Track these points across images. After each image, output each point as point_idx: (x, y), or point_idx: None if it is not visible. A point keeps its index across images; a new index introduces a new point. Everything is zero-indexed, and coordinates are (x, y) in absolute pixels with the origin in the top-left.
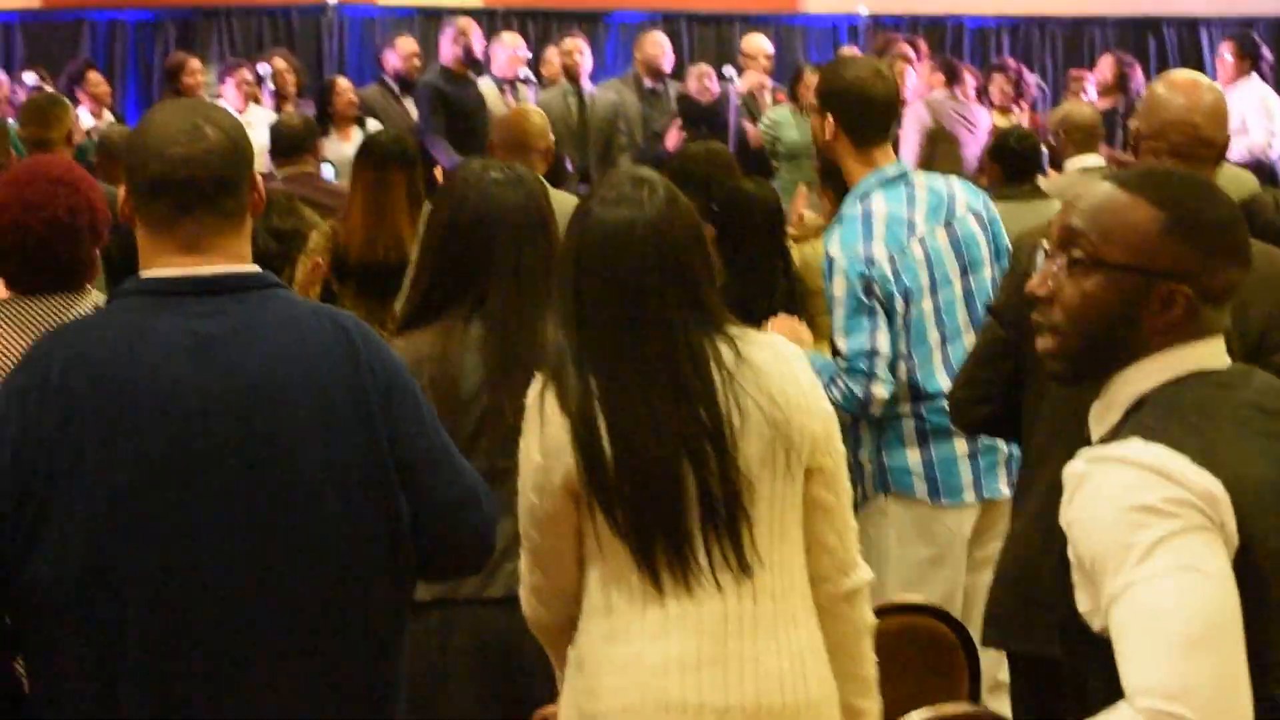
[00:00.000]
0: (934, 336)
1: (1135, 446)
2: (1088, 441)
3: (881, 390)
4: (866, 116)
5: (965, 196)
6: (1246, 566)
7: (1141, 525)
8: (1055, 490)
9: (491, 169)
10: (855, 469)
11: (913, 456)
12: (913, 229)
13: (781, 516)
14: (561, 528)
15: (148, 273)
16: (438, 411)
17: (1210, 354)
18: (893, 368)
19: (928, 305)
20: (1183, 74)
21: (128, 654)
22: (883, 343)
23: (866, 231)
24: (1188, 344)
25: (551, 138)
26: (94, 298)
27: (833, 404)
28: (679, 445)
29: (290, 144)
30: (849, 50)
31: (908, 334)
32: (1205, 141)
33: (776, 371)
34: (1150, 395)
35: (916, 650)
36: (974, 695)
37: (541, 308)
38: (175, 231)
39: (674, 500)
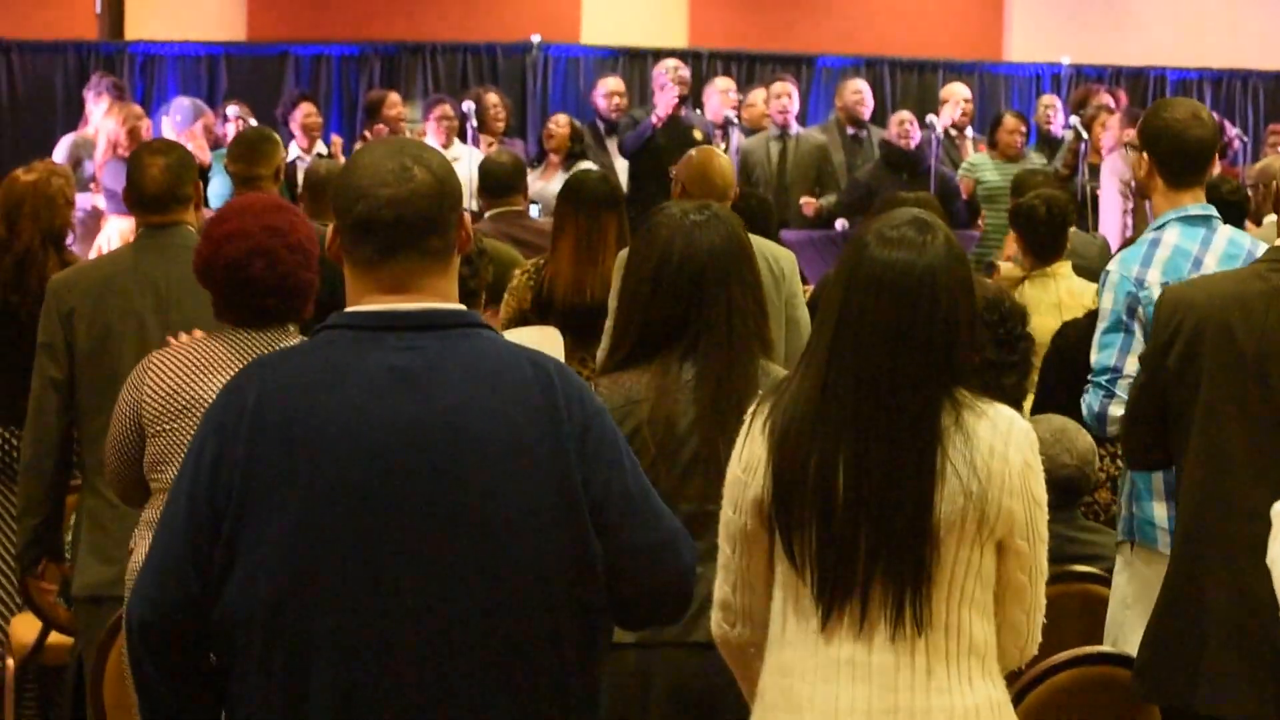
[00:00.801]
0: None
1: None
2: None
3: (1118, 410)
4: (1179, 157)
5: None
6: None
7: None
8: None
9: (690, 211)
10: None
11: (1159, 510)
12: (1198, 265)
13: (964, 583)
14: (752, 547)
15: (351, 308)
16: (652, 453)
17: None
18: None
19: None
20: None
21: (312, 689)
22: (1131, 364)
23: (1148, 256)
24: None
25: (733, 182)
26: (293, 333)
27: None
28: (875, 490)
29: (499, 182)
30: (1049, 99)
31: None
32: None
33: (987, 445)
34: None
35: (1109, 700)
36: None
37: (754, 347)
38: (380, 271)
39: (856, 542)
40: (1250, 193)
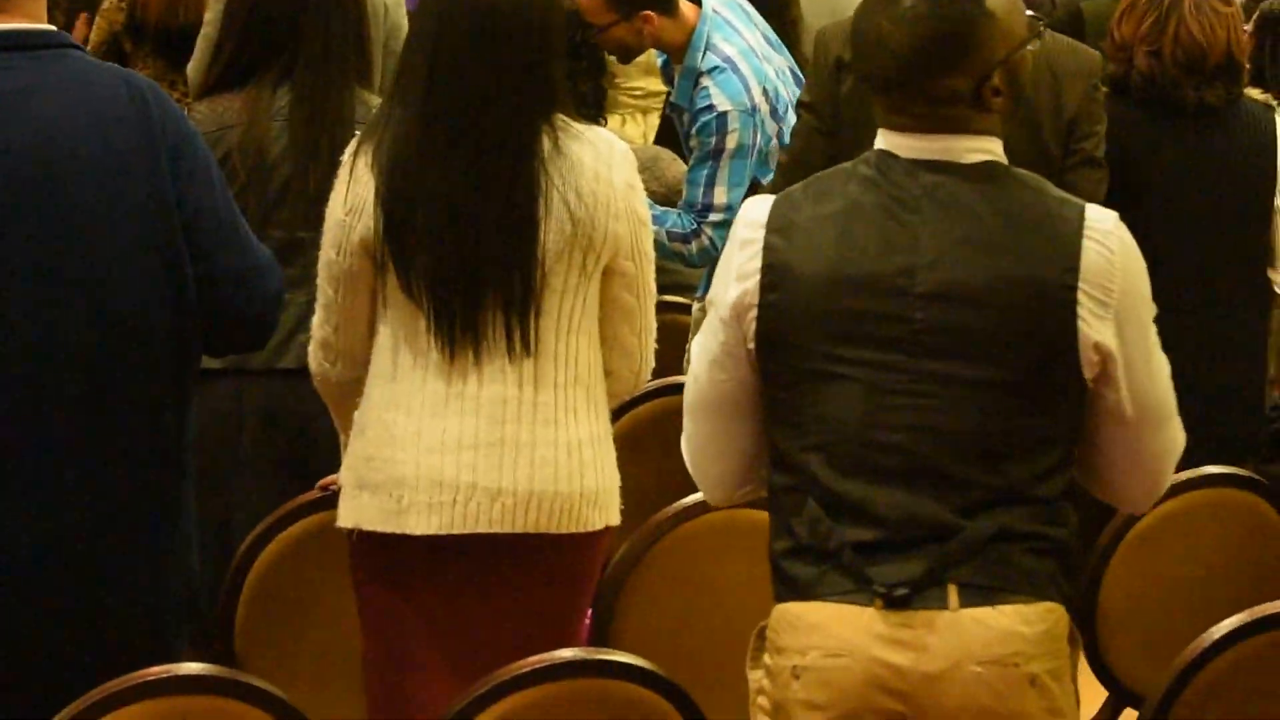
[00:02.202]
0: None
1: None
2: None
3: None
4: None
5: (764, 24)
6: None
7: None
8: None
9: None
10: None
11: None
12: (764, 65)
13: (572, 311)
14: (356, 285)
15: None
16: (241, 179)
17: None
18: None
19: (783, 128)
20: None
21: None
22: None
23: (742, 81)
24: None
25: None
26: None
27: (684, 259)
28: (485, 221)
29: None
30: None
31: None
32: None
33: (591, 169)
34: None
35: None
36: None
37: (349, 79)
38: None
39: (472, 274)
40: None
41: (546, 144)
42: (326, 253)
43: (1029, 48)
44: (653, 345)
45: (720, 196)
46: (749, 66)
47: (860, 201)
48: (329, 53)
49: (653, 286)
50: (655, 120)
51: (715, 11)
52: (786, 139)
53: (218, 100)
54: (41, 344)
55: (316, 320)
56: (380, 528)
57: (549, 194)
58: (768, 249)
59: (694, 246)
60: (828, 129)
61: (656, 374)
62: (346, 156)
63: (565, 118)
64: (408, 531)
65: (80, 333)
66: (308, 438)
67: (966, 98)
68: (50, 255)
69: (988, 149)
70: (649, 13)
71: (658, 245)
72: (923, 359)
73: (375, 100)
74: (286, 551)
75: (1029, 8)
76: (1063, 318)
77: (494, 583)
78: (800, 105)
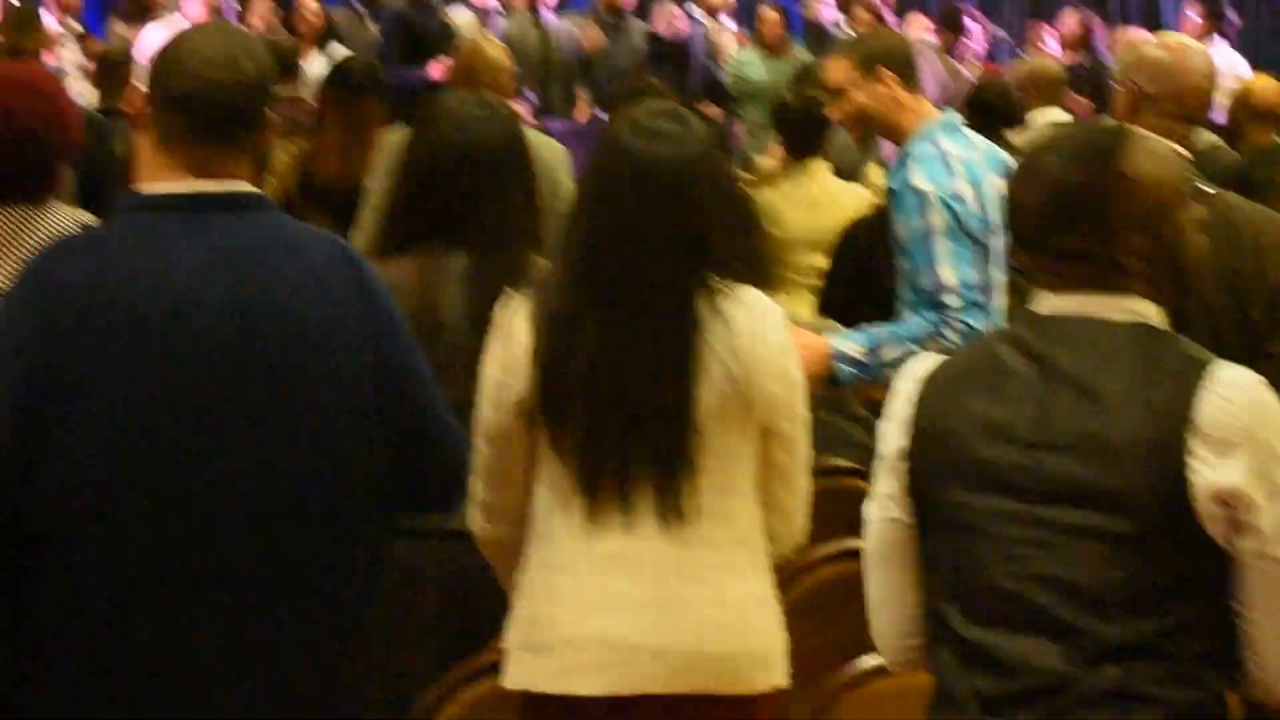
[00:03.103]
0: (1000, 279)
1: None
2: None
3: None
4: (911, 66)
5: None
6: None
7: None
8: None
9: (470, 103)
10: None
11: None
12: (980, 172)
13: (732, 472)
14: (512, 444)
15: (156, 187)
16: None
17: None
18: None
19: (996, 244)
20: (1175, 38)
21: (134, 559)
22: (982, 275)
23: (948, 169)
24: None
25: (508, 74)
26: (60, 210)
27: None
28: (637, 381)
29: (279, 65)
30: None
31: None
32: (1210, 106)
33: (748, 330)
34: None
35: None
36: None
37: (525, 246)
38: (189, 151)
39: (624, 434)
40: (1016, 92)
41: (703, 306)
42: (482, 411)
43: (1186, 213)
44: (807, 507)
45: (948, 276)
46: (963, 165)
47: (1001, 357)
48: (506, 220)
49: (808, 449)
50: None
51: (953, 121)
52: (996, 260)
53: (389, 263)
54: (257, 497)
55: (474, 480)
56: (547, 689)
57: (704, 355)
58: (918, 401)
59: (952, 336)
60: None
61: (826, 537)
62: (504, 315)
63: (721, 279)
64: (574, 693)
65: (294, 489)
66: (478, 598)
67: (1102, 258)
68: (276, 417)
69: (1131, 309)
70: (890, 73)
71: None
72: (1048, 508)
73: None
74: (460, 715)
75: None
76: (1178, 469)
77: None
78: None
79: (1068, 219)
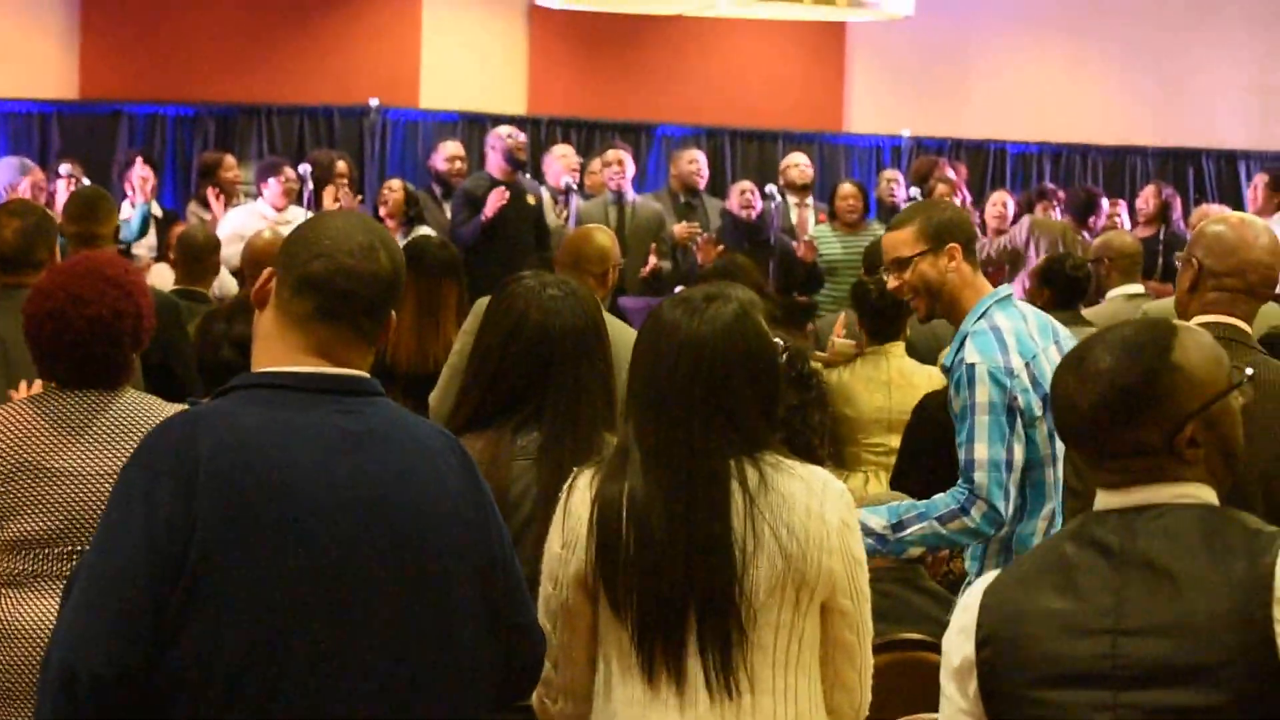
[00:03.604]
0: (1044, 453)
1: None
2: None
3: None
4: (974, 241)
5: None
6: None
7: None
8: None
9: (548, 284)
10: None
11: None
12: (1033, 345)
13: (789, 647)
14: (574, 622)
15: (279, 367)
16: None
17: None
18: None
19: (1044, 425)
20: (1237, 215)
21: None
22: (1019, 456)
23: (1001, 344)
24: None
25: (611, 261)
26: (132, 395)
27: (973, 531)
28: (690, 554)
29: None
30: (891, 172)
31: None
32: (1272, 283)
33: (803, 505)
34: None
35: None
36: None
37: (598, 425)
38: (314, 332)
39: (675, 606)
40: (1093, 267)
41: (753, 479)
42: (544, 587)
43: (1233, 398)
44: (870, 681)
45: (980, 453)
46: (1015, 338)
47: (1067, 554)
48: (578, 400)
49: (870, 624)
50: None
51: (1010, 297)
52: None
53: (461, 439)
54: (397, 705)
55: None
56: None
57: (758, 528)
58: (983, 609)
59: (975, 514)
60: None
61: (894, 711)
62: (563, 491)
63: (778, 455)
64: None
65: (420, 675)
66: None
67: (1159, 450)
68: (409, 606)
69: (1193, 495)
70: (957, 247)
71: (941, 539)
72: (1136, 693)
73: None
74: None
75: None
76: (1265, 636)
77: None
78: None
79: (1125, 417)
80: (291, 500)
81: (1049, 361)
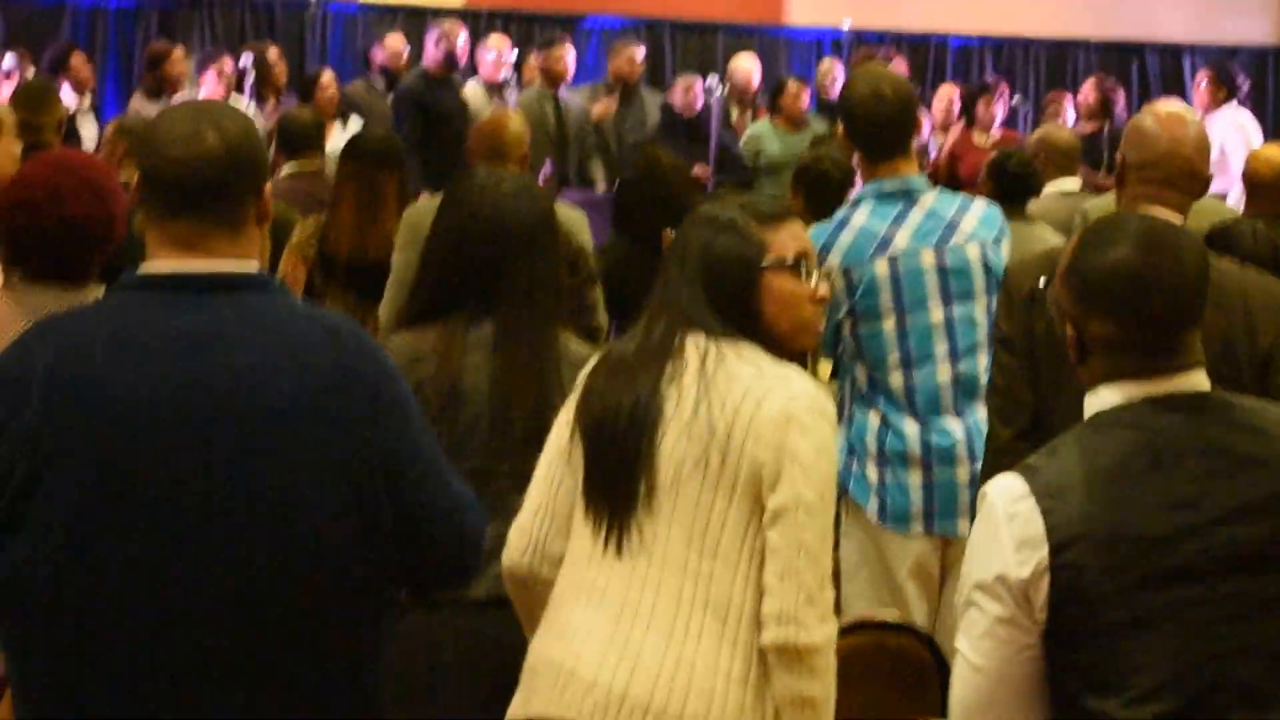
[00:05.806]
0: (893, 358)
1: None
2: None
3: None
4: (870, 135)
5: (974, 225)
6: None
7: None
8: None
9: (502, 180)
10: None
11: (871, 472)
12: (886, 244)
13: (707, 528)
14: (566, 468)
15: (144, 268)
16: (433, 408)
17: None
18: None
19: (889, 325)
20: (1169, 106)
21: (98, 644)
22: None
23: (832, 239)
24: (1109, 383)
25: (527, 145)
26: (96, 293)
27: None
28: (620, 419)
29: (300, 140)
30: (829, 63)
31: (863, 353)
32: (1195, 175)
33: (743, 388)
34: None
35: (889, 667)
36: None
37: (551, 319)
38: (169, 228)
39: (612, 471)
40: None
41: (711, 356)
42: (549, 441)
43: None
44: (801, 600)
45: None
46: (845, 232)
47: (1129, 452)
48: (531, 293)
49: (806, 537)
50: None
51: (882, 189)
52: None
53: (412, 332)
54: (227, 583)
55: (526, 498)
56: (532, 712)
57: (683, 397)
58: (1046, 514)
59: None
60: (1024, 363)
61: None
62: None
63: (756, 350)
64: (531, 715)
65: (269, 576)
66: (507, 668)
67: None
68: (239, 500)
69: (1205, 384)
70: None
71: None
72: (1225, 581)
73: (575, 343)
74: None
75: (1225, 242)
76: None
77: None
78: (998, 340)
79: (1201, 304)
80: (119, 410)
81: (909, 263)
